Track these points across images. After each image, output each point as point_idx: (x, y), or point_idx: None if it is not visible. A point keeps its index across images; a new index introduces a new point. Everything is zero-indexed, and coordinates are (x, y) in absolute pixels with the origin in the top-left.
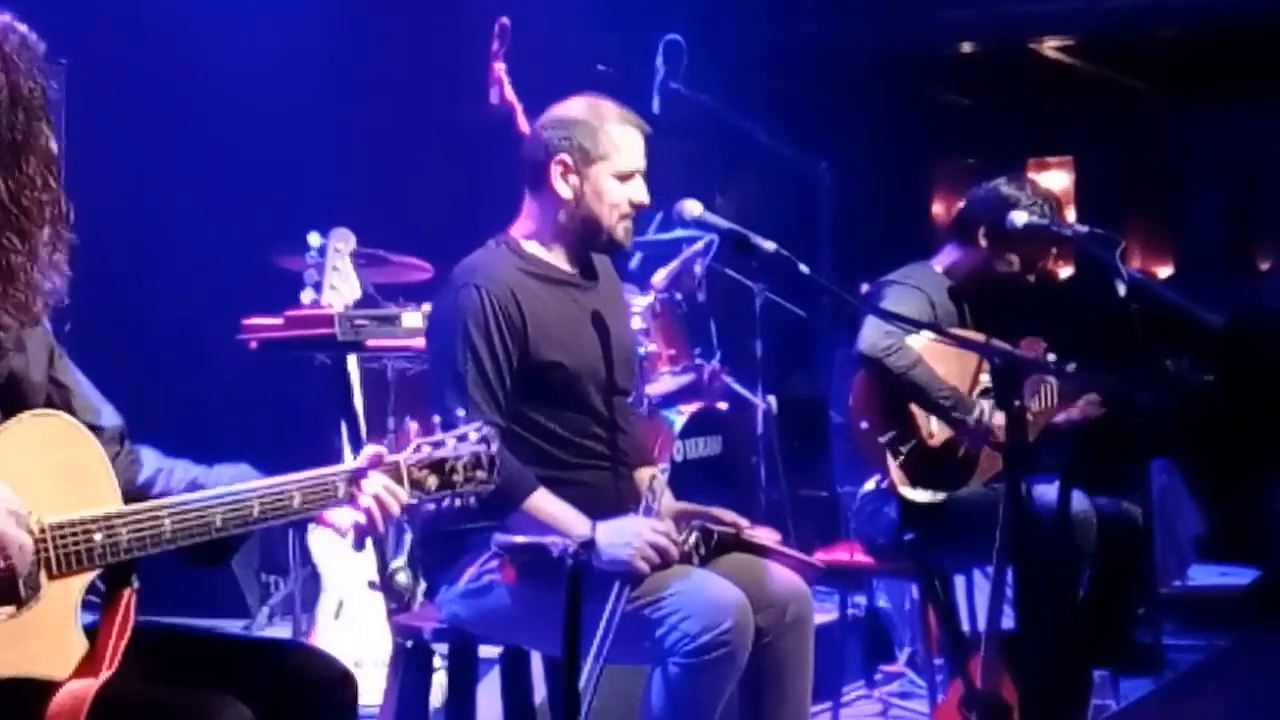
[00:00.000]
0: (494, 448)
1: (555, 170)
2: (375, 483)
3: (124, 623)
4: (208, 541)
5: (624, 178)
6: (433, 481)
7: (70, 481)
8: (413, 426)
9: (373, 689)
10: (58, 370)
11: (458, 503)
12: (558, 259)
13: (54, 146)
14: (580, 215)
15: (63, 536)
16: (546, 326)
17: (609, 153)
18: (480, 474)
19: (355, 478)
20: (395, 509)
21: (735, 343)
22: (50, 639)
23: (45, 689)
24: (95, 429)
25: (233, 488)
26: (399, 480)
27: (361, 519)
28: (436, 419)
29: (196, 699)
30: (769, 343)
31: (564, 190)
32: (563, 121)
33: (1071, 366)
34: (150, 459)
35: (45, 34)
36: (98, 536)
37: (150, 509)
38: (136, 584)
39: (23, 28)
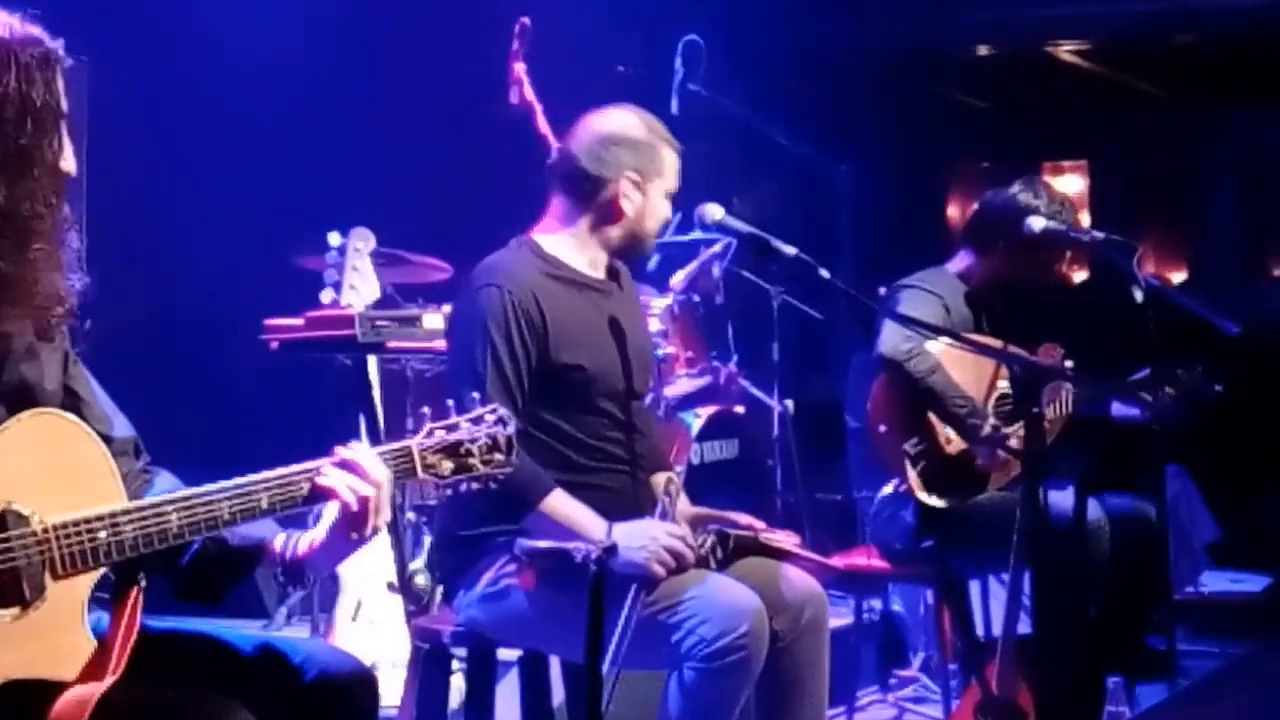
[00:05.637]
0: (511, 428)
1: (624, 187)
2: (332, 476)
3: (130, 622)
4: (210, 569)
5: (668, 196)
6: (447, 466)
7: (73, 480)
8: (426, 412)
9: (391, 690)
10: (71, 378)
11: (475, 486)
12: (584, 264)
13: (67, 164)
14: (636, 231)
15: (66, 536)
16: (567, 329)
17: (665, 173)
18: (498, 456)
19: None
20: (362, 493)
21: (752, 345)
22: (57, 640)
23: (51, 691)
24: (105, 439)
25: (238, 480)
26: (411, 468)
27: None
28: (450, 403)
29: (203, 707)
30: (786, 346)
31: (628, 208)
32: (627, 140)
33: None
34: (164, 483)
35: (65, 31)
36: (102, 534)
37: (155, 504)
38: (144, 582)
39: (50, 43)
